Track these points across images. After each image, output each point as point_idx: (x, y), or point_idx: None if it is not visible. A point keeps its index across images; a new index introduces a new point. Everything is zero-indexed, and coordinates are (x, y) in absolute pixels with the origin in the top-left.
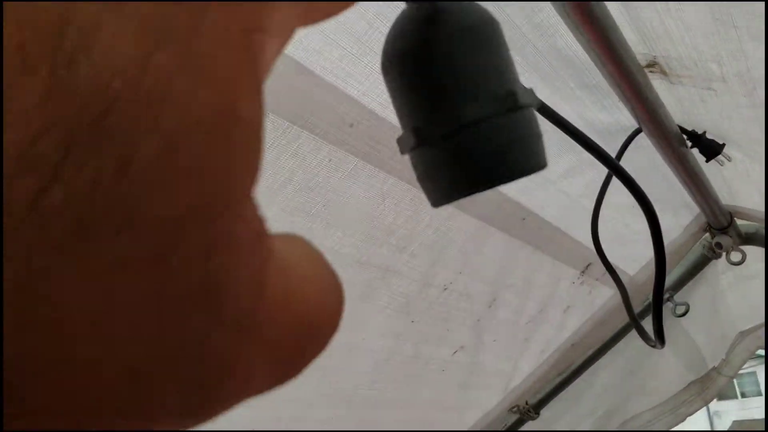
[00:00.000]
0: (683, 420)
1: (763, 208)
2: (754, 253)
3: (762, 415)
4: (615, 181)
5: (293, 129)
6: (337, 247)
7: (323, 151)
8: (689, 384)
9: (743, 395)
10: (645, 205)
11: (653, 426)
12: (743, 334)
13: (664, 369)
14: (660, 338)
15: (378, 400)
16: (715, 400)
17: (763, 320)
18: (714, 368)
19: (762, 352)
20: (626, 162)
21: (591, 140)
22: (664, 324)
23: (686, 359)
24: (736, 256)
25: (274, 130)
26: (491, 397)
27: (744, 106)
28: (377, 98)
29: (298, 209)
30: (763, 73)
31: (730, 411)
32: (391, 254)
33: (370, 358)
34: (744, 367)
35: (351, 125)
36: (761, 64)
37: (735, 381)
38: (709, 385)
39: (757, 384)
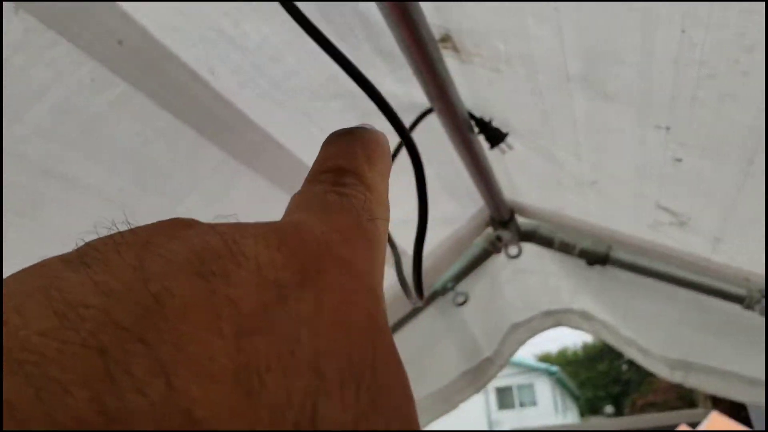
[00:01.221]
0: (455, 407)
1: (541, 205)
2: (531, 249)
3: (536, 425)
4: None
5: (50, 33)
6: (97, 185)
7: (85, 67)
8: (463, 373)
9: (521, 405)
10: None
11: (427, 414)
12: (516, 326)
13: (443, 357)
14: (419, 292)
15: None
16: (496, 409)
17: (534, 313)
18: (487, 358)
19: (533, 363)
20: (417, 140)
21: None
22: (445, 312)
23: (463, 348)
24: (513, 250)
25: (25, 31)
26: None
27: (525, 92)
28: (151, 15)
29: (51, 132)
30: (543, 57)
31: (507, 420)
32: (163, 204)
33: None
34: (522, 380)
35: (120, 42)
36: (541, 46)
37: (514, 391)
38: (481, 374)
39: (533, 395)
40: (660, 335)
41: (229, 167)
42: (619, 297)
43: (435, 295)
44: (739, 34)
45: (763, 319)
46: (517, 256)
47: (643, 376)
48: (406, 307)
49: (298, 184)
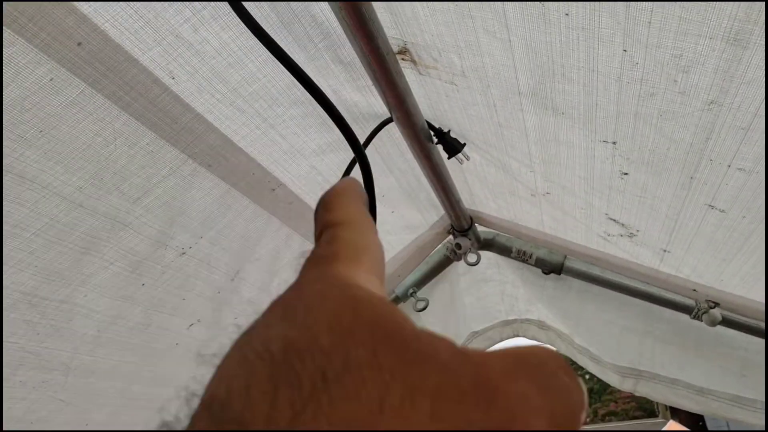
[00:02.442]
0: None
1: (498, 215)
2: (490, 258)
3: None
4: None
5: (7, 33)
6: (56, 185)
7: (43, 67)
8: None
9: None
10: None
11: None
12: (475, 334)
13: None
14: None
15: (99, 367)
16: None
17: (493, 322)
18: None
19: None
20: (380, 149)
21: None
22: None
23: None
24: (472, 258)
25: None
26: None
27: (480, 104)
28: (111, 20)
29: (9, 130)
30: (495, 71)
31: None
32: (121, 204)
33: (91, 319)
34: None
35: (79, 44)
36: (493, 61)
37: None
38: None
39: None
40: (611, 344)
41: (187, 169)
42: (572, 306)
43: (397, 301)
44: (676, 56)
45: (709, 329)
46: (475, 264)
47: (605, 386)
48: None
49: (255, 188)
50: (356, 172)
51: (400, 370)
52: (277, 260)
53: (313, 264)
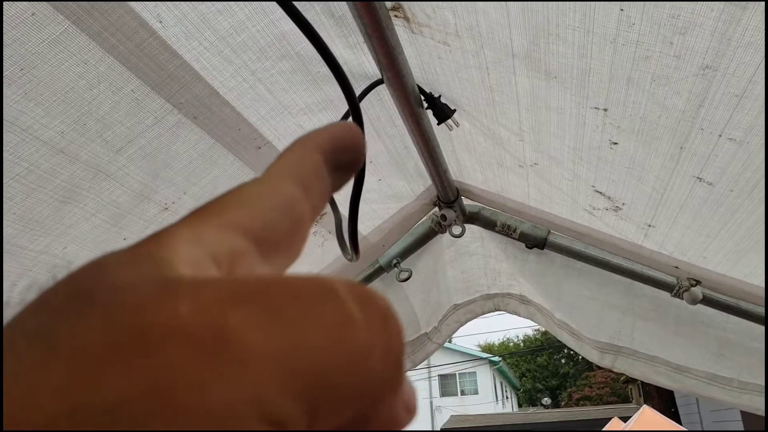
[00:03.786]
0: None
1: (485, 187)
2: (474, 232)
3: (476, 412)
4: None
5: None
6: (36, 128)
7: (25, 2)
8: None
9: (462, 393)
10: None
11: None
12: (456, 307)
13: None
14: (354, 250)
15: None
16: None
17: (475, 296)
18: (425, 333)
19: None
20: (369, 112)
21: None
22: (390, 287)
23: (404, 322)
24: (457, 230)
25: None
26: None
27: (473, 66)
28: None
29: None
30: (490, 30)
31: (450, 406)
32: (104, 152)
33: None
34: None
35: None
36: (488, 19)
37: (457, 380)
38: (419, 348)
39: (476, 384)
40: (591, 319)
41: (172, 119)
42: (554, 281)
43: (381, 271)
44: (674, 15)
45: (690, 307)
46: (460, 236)
47: (581, 370)
48: (351, 275)
49: (241, 144)
50: None
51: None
52: None
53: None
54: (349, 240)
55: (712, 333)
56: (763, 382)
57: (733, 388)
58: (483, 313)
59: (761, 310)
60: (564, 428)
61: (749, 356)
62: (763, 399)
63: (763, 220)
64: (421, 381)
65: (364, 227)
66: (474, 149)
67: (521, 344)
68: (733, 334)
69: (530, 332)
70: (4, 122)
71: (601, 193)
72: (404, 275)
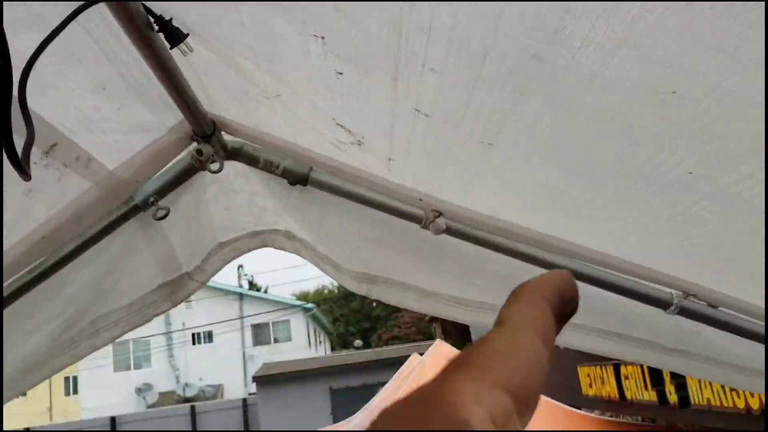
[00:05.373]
0: (149, 320)
1: (241, 121)
2: (238, 169)
3: (289, 358)
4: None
5: None
6: None
7: None
8: (159, 285)
9: (276, 341)
10: None
11: (118, 326)
12: (222, 245)
13: (141, 270)
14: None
15: None
16: (251, 345)
17: (241, 233)
18: (187, 273)
19: (290, 300)
20: (93, 33)
21: None
22: (147, 226)
23: (161, 261)
24: (215, 166)
25: None
26: None
27: None
28: None
29: None
30: None
31: (263, 354)
32: None
33: None
34: (279, 316)
35: None
36: None
37: (271, 328)
38: (180, 288)
39: (289, 331)
40: (349, 251)
41: None
42: (316, 216)
43: (137, 209)
44: None
45: (438, 237)
46: (217, 171)
47: (390, 312)
48: (105, 216)
49: None
50: None
51: None
52: None
53: (442, 372)
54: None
55: (457, 260)
56: (494, 300)
57: (472, 309)
58: (249, 250)
59: (496, 238)
60: (371, 367)
61: (486, 279)
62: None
63: (479, 154)
64: (233, 332)
65: (109, 161)
66: (221, 80)
67: (335, 291)
68: (474, 259)
69: None
70: None
71: (341, 126)
72: (161, 213)
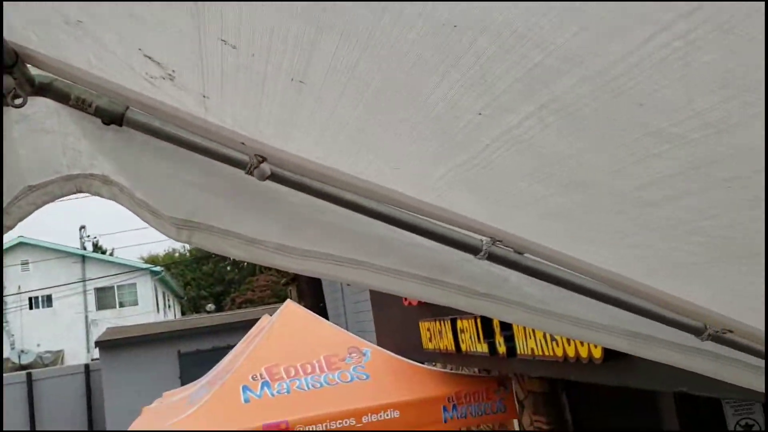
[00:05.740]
0: None
1: (48, 53)
2: (50, 106)
3: (136, 322)
4: None
5: None
6: None
7: None
8: None
9: (121, 305)
10: None
11: None
12: (32, 189)
13: None
14: None
15: None
16: (95, 309)
17: (53, 177)
18: None
19: (137, 263)
20: None
21: None
22: None
23: None
24: (18, 101)
25: None
26: None
27: None
28: None
29: None
30: None
31: (107, 319)
32: None
33: None
34: (125, 279)
35: None
36: None
37: (116, 292)
38: None
39: (136, 295)
40: (170, 197)
41: None
42: (133, 159)
43: None
44: None
45: (262, 183)
46: (20, 106)
47: (244, 276)
48: None
49: None
50: None
51: None
52: None
53: None
54: None
55: (282, 208)
56: (323, 249)
57: (297, 256)
58: (63, 195)
59: (323, 186)
60: (222, 330)
61: (314, 228)
62: (326, 264)
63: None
64: (75, 296)
65: None
66: (18, 4)
67: (187, 254)
68: (299, 207)
69: None
70: None
71: (149, 57)
72: None
